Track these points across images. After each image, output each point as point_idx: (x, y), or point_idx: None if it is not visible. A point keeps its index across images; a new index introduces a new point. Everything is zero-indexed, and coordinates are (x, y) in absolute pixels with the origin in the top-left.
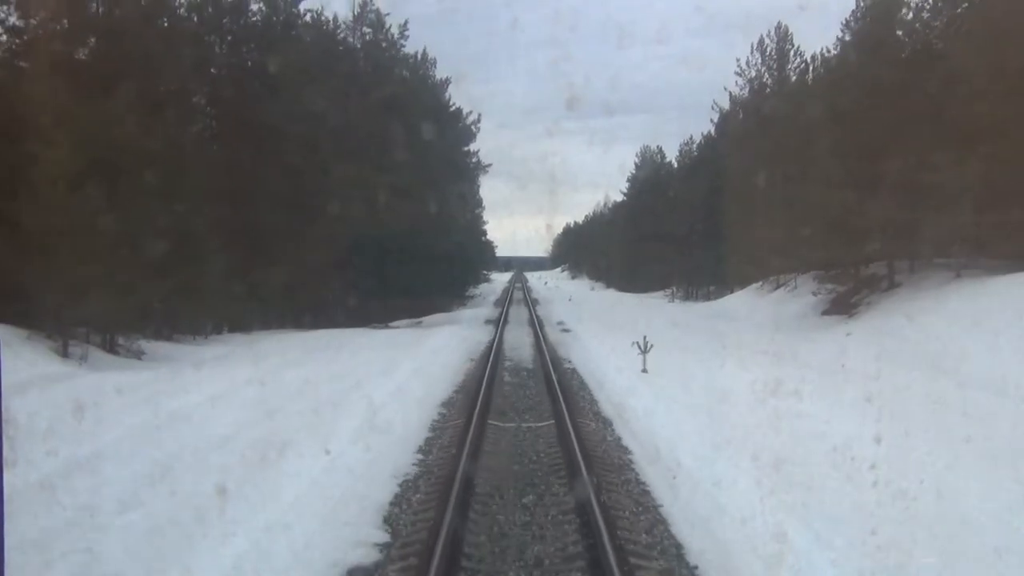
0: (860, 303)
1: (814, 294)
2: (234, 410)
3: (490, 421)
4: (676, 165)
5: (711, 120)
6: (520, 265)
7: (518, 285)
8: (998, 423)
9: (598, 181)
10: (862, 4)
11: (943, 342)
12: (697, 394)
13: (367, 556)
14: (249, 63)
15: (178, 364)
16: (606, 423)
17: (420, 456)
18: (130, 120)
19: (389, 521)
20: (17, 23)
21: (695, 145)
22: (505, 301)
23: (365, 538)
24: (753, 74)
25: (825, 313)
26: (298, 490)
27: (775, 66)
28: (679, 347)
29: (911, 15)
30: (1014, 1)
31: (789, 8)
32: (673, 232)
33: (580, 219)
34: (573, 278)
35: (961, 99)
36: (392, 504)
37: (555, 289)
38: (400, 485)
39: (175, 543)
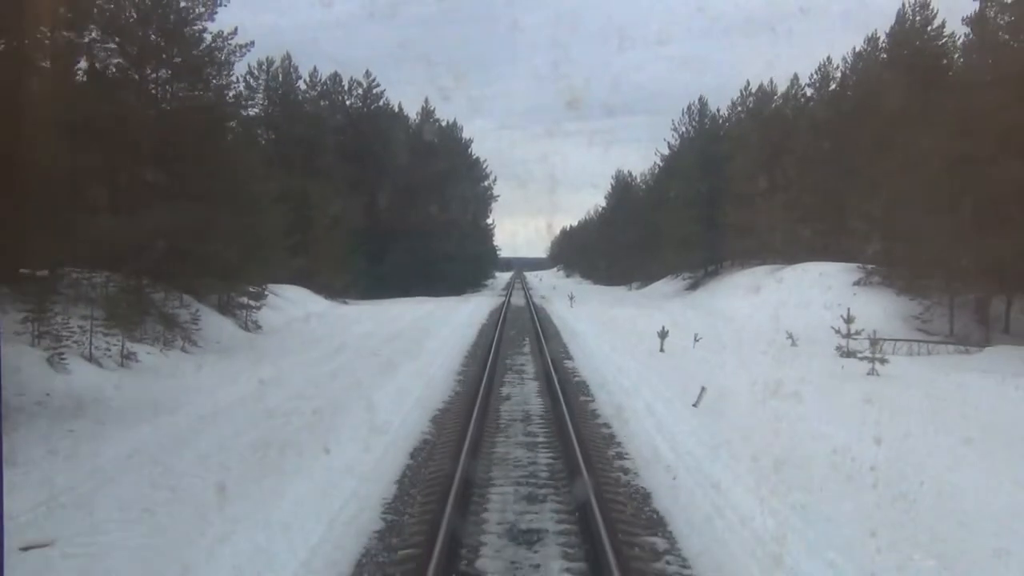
0: (702, 283)
1: (684, 279)
2: (419, 309)
3: (507, 316)
4: (644, 187)
5: (656, 163)
6: (520, 266)
7: (518, 280)
8: (707, 326)
9: (598, 182)
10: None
11: (706, 297)
12: (594, 314)
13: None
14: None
15: (366, 305)
16: (548, 316)
17: (488, 317)
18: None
19: (496, 316)
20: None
21: (654, 174)
22: (509, 289)
23: (497, 309)
24: (683, 130)
25: (687, 289)
26: (468, 310)
27: (696, 125)
28: (601, 304)
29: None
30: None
31: (790, 11)
32: (635, 240)
33: (576, 222)
34: (567, 276)
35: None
36: (486, 321)
37: (547, 284)
38: (487, 317)
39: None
